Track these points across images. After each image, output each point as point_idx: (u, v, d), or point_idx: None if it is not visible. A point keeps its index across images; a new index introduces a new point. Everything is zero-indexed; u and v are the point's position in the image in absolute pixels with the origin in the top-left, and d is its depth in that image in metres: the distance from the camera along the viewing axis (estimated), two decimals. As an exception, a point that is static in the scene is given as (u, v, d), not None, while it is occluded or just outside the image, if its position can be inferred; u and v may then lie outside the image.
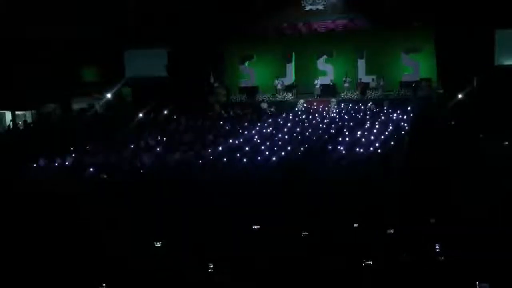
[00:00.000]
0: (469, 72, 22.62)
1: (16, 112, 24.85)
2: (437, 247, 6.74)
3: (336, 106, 24.43)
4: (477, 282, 5.48)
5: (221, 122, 21.23)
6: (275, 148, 15.71)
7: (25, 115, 25.31)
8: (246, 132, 18.78)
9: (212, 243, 7.12)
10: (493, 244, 6.63)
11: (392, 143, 15.49)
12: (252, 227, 7.93)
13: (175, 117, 22.49)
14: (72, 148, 16.04)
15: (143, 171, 13.93)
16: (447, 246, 6.71)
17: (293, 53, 27.36)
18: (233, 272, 6.24)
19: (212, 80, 26.91)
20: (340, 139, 16.43)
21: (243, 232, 7.73)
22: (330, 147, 15.31)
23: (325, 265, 6.46)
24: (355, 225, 8.03)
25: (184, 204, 9.42)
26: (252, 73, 28.09)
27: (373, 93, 25.05)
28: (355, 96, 25.17)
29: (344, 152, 14.58)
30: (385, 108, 22.97)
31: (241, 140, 17.37)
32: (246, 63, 28.22)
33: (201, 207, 9.10)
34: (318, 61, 27.40)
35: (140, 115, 22.43)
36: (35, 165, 14.25)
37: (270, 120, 21.46)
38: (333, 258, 6.64)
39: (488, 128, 15.90)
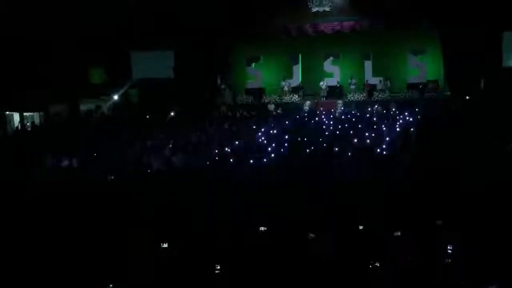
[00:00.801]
0: (476, 74, 22.55)
1: (24, 114, 25.03)
2: (444, 248, 6.73)
3: (342, 108, 24.39)
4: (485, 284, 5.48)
5: (227, 123, 21.26)
6: (281, 150, 15.73)
7: (33, 116, 25.50)
8: (252, 133, 18.81)
9: (216, 244, 7.15)
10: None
11: (398, 145, 15.47)
12: (258, 228, 7.95)
13: (181, 118, 22.56)
14: (79, 150, 16.13)
15: (150, 172, 14.00)
16: (455, 247, 6.71)
17: (300, 54, 27.39)
18: (237, 272, 6.27)
19: (218, 82, 26.96)
20: (346, 141, 16.42)
21: (248, 233, 7.75)
22: (335, 149, 15.30)
23: (331, 267, 6.47)
24: (361, 227, 8.03)
25: (189, 205, 9.45)
26: (258, 74, 28.13)
27: (379, 95, 25.02)
28: (362, 98, 25.14)
29: (350, 154, 14.58)
30: (392, 110, 22.89)
31: (247, 141, 17.41)
32: (253, 65, 28.24)
33: (206, 208, 9.13)
34: (324, 63, 27.42)
35: (147, 116, 22.54)
36: (42, 166, 14.34)
37: (276, 121, 21.47)
38: (340, 260, 6.65)
39: (496, 129, 15.83)
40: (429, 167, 11.56)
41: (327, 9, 25.90)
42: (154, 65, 26.51)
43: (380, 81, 25.67)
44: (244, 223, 8.12)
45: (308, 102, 25.30)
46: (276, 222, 8.04)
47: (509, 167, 11.52)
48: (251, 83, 27.96)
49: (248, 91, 27.36)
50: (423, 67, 26.00)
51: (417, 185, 10.38)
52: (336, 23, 26.01)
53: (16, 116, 24.89)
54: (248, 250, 6.99)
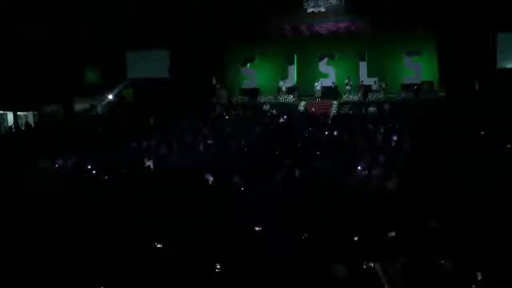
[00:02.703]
0: (470, 75, 22.65)
1: (18, 113, 24.92)
2: (437, 250, 6.73)
3: (337, 110, 24.40)
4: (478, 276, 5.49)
5: (222, 124, 21.22)
6: (277, 152, 15.67)
7: (27, 116, 25.40)
8: (247, 134, 18.76)
9: (214, 244, 7.12)
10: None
11: (393, 145, 15.48)
12: (253, 228, 7.92)
13: (176, 118, 22.49)
14: (73, 149, 16.05)
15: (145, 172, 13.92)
16: (449, 250, 6.70)
17: (295, 55, 27.42)
18: (235, 273, 6.25)
19: (213, 82, 26.96)
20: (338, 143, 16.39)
21: (244, 233, 7.73)
22: (328, 150, 15.28)
23: (325, 267, 6.46)
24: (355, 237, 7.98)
25: (185, 205, 9.42)
26: (253, 75, 28.15)
27: (374, 96, 25.08)
28: (357, 99, 25.18)
29: (343, 155, 14.56)
30: (386, 111, 22.91)
31: (242, 142, 17.35)
32: (248, 65, 28.26)
33: (202, 208, 9.09)
34: (319, 63, 27.46)
35: (142, 116, 22.47)
36: (36, 165, 14.24)
37: (271, 122, 21.44)
38: (333, 261, 6.63)
39: (490, 131, 15.88)
40: (423, 169, 11.57)
41: (322, 10, 26.01)
42: (149, 64, 26.51)
43: (375, 81, 25.73)
44: (240, 222, 8.10)
45: (303, 103, 25.33)
46: (271, 222, 8.03)
47: (503, 168, 11.54)
48: (246, 83, 28.00)
49: (243, 91, 27.40)
50: (418, 68, 26.08)
51: (411, 186, 10.39)
52: (331, 24, 26.08)
53: (10, 116, 24.77)
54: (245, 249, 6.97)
